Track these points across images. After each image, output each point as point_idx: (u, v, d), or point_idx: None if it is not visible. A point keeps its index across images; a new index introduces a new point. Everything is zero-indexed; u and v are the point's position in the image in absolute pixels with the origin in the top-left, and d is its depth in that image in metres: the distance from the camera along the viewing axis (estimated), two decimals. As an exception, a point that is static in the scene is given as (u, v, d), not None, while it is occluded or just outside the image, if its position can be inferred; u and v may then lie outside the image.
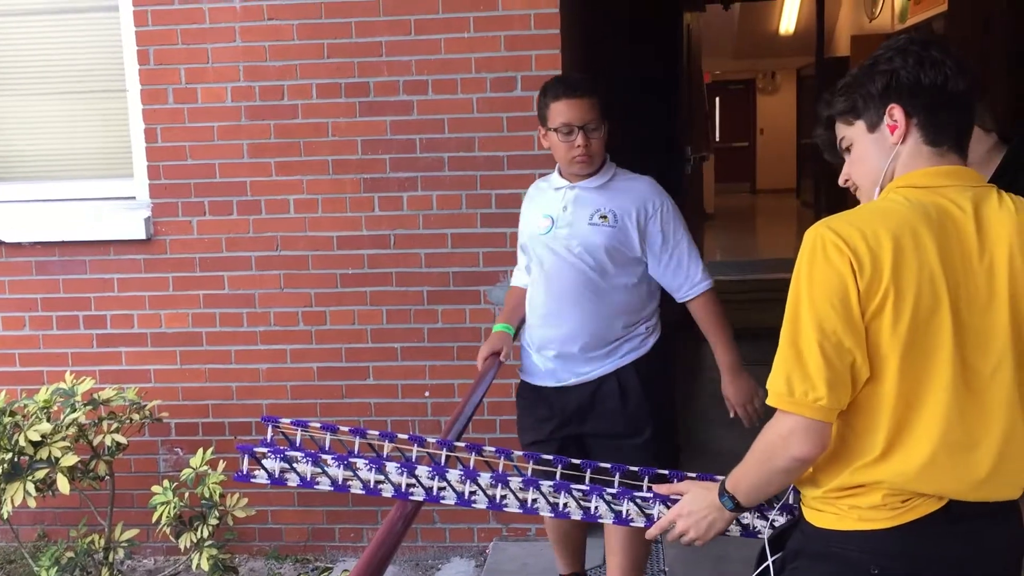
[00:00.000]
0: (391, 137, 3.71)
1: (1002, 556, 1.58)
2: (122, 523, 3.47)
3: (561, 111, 2.70)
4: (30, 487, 3.14)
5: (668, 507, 1.85)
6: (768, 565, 1.72)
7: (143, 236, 3.82)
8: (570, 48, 3.84)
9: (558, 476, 2.00)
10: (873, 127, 1.60)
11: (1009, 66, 5.23)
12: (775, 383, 1.52)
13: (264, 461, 2.01)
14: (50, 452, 3.18)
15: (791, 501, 1.82)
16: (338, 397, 3.85)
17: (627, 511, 1.88)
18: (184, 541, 3.21)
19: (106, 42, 3.93)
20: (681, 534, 1.76)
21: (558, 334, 2.78)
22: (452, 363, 3.77)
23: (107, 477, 3.42)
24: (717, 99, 16.93)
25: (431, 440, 2.13)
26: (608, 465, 2.02)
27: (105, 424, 3.41)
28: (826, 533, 1.58)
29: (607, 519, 1.89)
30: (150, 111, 3.80)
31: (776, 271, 8.60)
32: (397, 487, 1.96)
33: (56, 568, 3.27)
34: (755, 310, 7.22)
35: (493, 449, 2.13)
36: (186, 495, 3.23)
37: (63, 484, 3.17)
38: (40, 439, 3.18)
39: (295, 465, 2.00)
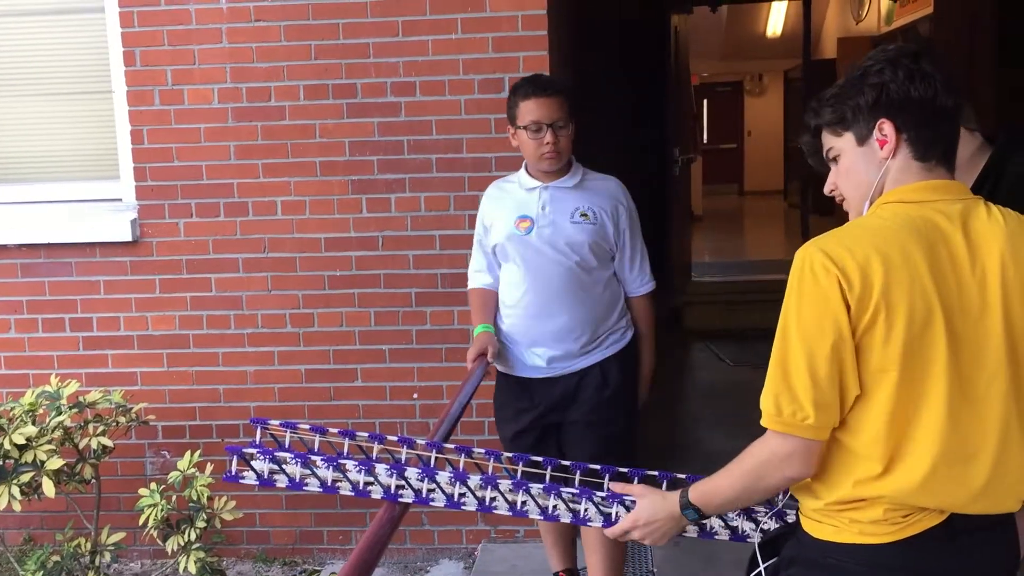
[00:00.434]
0: (379, 139, 3.70)
1: (1000, 569, 1.58)
2: (108, 526, 3.45)
3: (530, 109, 2.78)
4: (15, 490, 3.11)
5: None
6: (760, 572, 1.71)
7: (129, 238, 3.81)
8: (558, 50, 3.84)
9: (547, 478, 2.00)
10: (862, 140, 1.60)
11: (995, 67, 5.26)
12: (765, 403, 1.54)
13: (253, 462, 2.01)
14: (35, 455, 3.16)
15: (781, 506, 1.83)
16: (326, 399, 3.84)
17: (616, 514, 1.88)
18: (171, 544, 3.20)
19: (92, 43, 3.91)
20: (635, 539, 1.78)
21: (553, 330, 2.85)
22: (440, 365, 3.77)
23: (93, 480, 3.40)
24: (705, 101, 16.97)
25: (420, 442, 2.13)
26: (599, 467, 2.02)
27: (91, 427, 3.39)
28: (824, 544, 1.58)
29: (596, 522, 1.89)
30: (136, 112, 3.79)
31: (764, 272, 8.63)
32: (386, 489, 1.96)
33: (42, 572, 3.24)
34: (743, 311, 7.25)
35: (482, 451, 2.12)
36: (173, 498, 3.22)
37: (48, 487, 3.15)
38: (25, 442, 3.16)
39: (284, 466, 1.99)
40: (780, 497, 1.81)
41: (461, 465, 2.06)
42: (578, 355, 2.88)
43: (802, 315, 1.50)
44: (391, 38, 3.65)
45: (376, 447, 2.13)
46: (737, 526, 1.88)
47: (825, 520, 1.58)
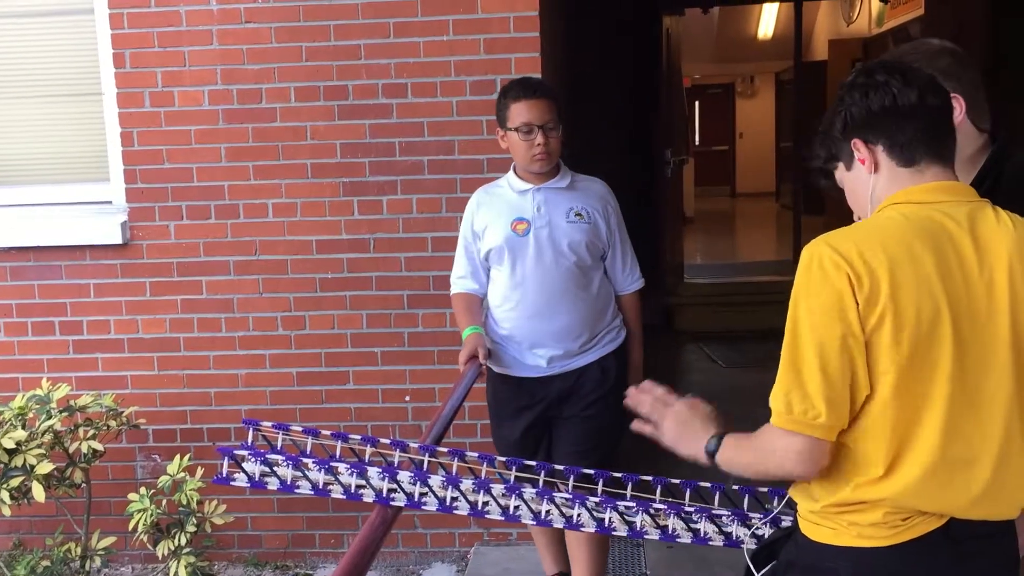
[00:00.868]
0: (370, 140, 3.69)
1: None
2: (99, 531, 3.44)
3: (521, 111, 2.82)
4: (4, 495, 3.10)
5: (650, 516, 1.84)
6: None
7: (119, 241, 3.79)
8: (550, 52, 3.84)
9: (540, 483, 1.99)
10: (848, 165, 1.65)
11: (986, 68, 5.27)
12: (775, 402, 1.52)
13: (244, 464, 2.00)
14: (25, 460, 3.14)
15: (775, 512, 1.82)
16: (318, 402, 3.83)
17: (609, 519, 1.87)
18: (162, 549, 3.18)
19: (81, 45, 3.89)
20: (656, 433, 1.77)
21: (553, 330, 2.89)
22: (432, 367, 3.75)
23: (83, 484, 3.38)
24: (696, 103, 17.00)
25: (413, 445, 2.12)
26: (592, 472, 2.01)
27: (81, 431, 3.38)
28: (821, 547, 1.57)
29: (589, 527, 1.89)
30: (126, 115, 3.77)
31: (756, 274, 8.64)
32: (378, 492, 1.95)
33: (32, 577, 3.23)
34: (735, 313, 7.26)
35: (476, 455, 2.11)
36: (164, 502, 3.20)
37: (38, 492, 3.13)
38: (15, 446, 3.14)
39: (275, 469, 1.99)
40: (776, 503, 1.80)
41: (454, 469, 2.05)
42: (577, 353, 2.92)
43: (812, 311, 1.49)
44: (382, 40, 3.64)
45: (368, 450, 2.12)
46: (731, 531, 1.88)
47: (823, 522, 1.57)
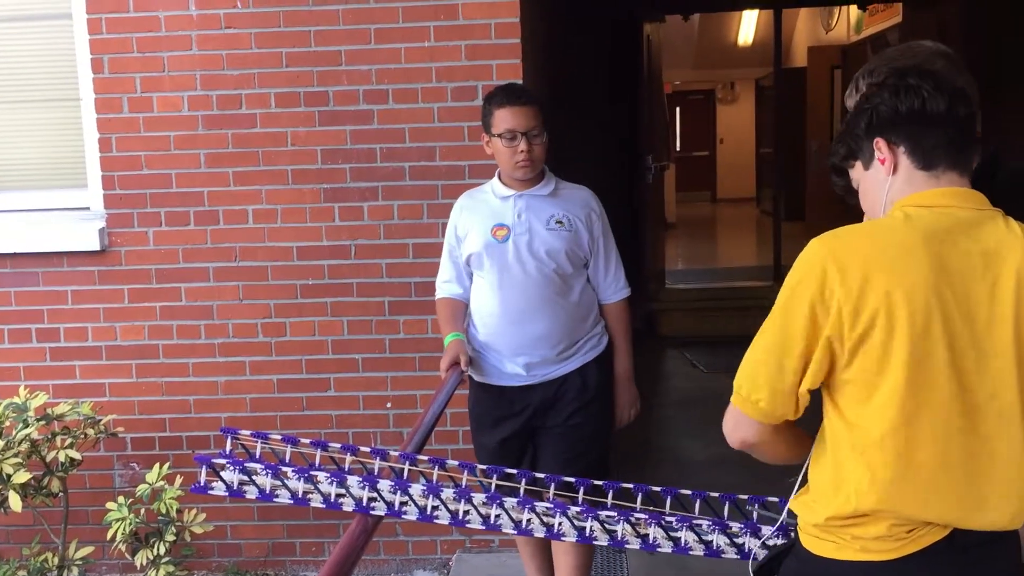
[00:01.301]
0: (351, 146, 3.68)
1: None
2: (76, 540, 3.40)
3: (505, 118, 2.81)
4: (-20, 505, 3.06)
5: (631, 525, 1.84)
6: None
7: (97, 247, 3.76)
8: (531, 58, 3.84)
9: (522, 491, 1.99)
10: (867, 164, 1.65)
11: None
12: (737, 376, 1.60)
13: (223, 473, 1.98)
14: (1, 469, 3.10)
15: (782, 521, 1.82)
16: (298, 409, 3.80)
17: (591, 528, 1.87)
18: (140, 558, 3.15)
19: (59, 50, 3.86)
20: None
21: (531, 337, 2.86)
22: (414, 374, 3.74)
23: (61, 494, 3.35)
24: (677, 109, 17.07)
25: (393, 453, 2.11)
26: (572, 480, 2.01)
27: (59, 439, 3.34)
28: (825, 562, 1.56)
29: (570, 536, 1.88)
30: (104, 120, 3.74)
31: (737, 279, 8.68)
32: (358, 501, 1.94)
33: (8, 588, 3.19)
34: (716, 318, 7.28)
35: (456, 463, 2.11)
36: (142, 511, 3.17)
37: (15, 501, 3.10)
38: (-9, 456, 3.10)
39: (254, 477, 1.97)
40: (787, 517, 1.80)
41: (435, 477, 2.04)
42: (556, 362, 2.89)
43: (791, 305, 1.52)
44: (363, 46, 3.63)
45: (349, 458, 2.11)
46: (711, 540, 1.88)
47: (825, 536, 1.56)
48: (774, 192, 9.63)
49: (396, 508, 1.93)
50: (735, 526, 1.88)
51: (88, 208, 3.84)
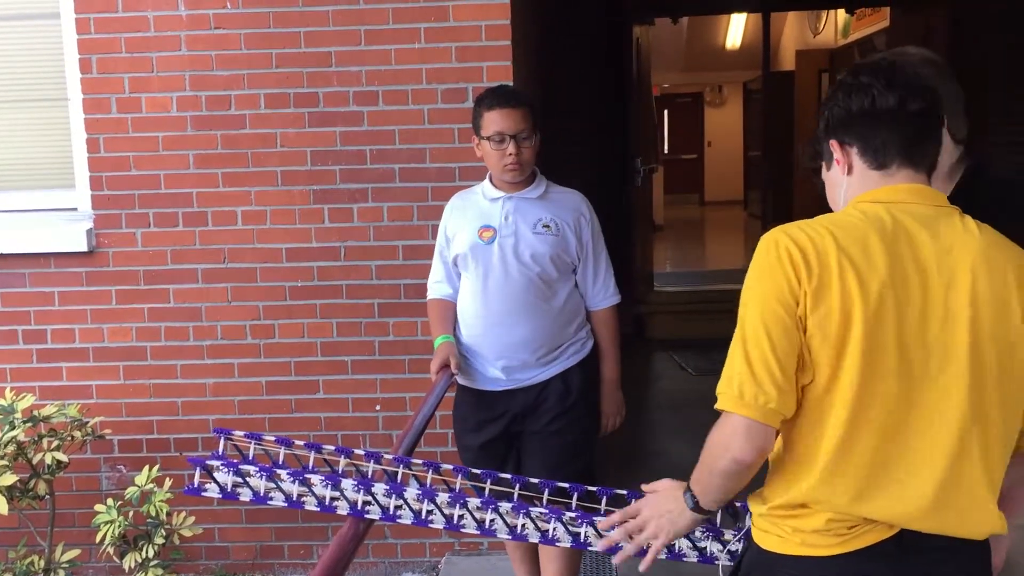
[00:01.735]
0: (341, 148, 3.67)
1: None
2: (63, 543, 3.38)
3: (495, 120, 2.79)
4: (-34, 508, 3.04)
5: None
6: None
7: (85, 248, 3.73)
8: (522, 60, 3.84)
9: (516, 496, 1.98)
10: (829, 165, 1.66)
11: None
12: (725, 386, 1.51)
13: (216, 474, 1.97)
14: (-13, 471, 3.08)
15: (749, 525, 1.82)
16: (287, 411, 3.79)
17: (584, 534, 1.86)
18: (128, 561, 3.14)
19: (47, 50, 3.83)
20: (648, 538, 1.70)
21: (511, 341, 2.84)
22: (403, 376, 3.73)
23: (47, 496, 3.33)
24: (666, 111, 17.10)
25: (387, 456, 2.10)
26: (566, 485, 2.00)
27: (45, 442, 3.32)
28: (771, 557, 1.55)
29: (564, 542, 1.88)
30: (93, 120, 3.72)
31: (725, 282, 8.68)
32: (353, 504, 1.93)
33: (-7, 591, 3.17)
34: (705, 321, 7.28)
35: (450, 466, 2.10)
36: (131, 514, 3.15)
37: (1, 504, 3.07)
38: (-23, 458, 3.08)
39: (248, 479, 1.96)
40: (749, 518, 1.80)
41: (429, 481, 2.04)
42: (536, 366, 2.87)
43: (763, 297, 1.49)
44: (353, 47, 3.62)
45: (342, 461, 2.10)
46: (705, 547, 1.88)
47: (770, 529, 1.55)
48: (762, 195, 9.66)
49: (391, 512, 1.92)
50: (728, 533, 1.88)
51: (76, 209, 3.82)
